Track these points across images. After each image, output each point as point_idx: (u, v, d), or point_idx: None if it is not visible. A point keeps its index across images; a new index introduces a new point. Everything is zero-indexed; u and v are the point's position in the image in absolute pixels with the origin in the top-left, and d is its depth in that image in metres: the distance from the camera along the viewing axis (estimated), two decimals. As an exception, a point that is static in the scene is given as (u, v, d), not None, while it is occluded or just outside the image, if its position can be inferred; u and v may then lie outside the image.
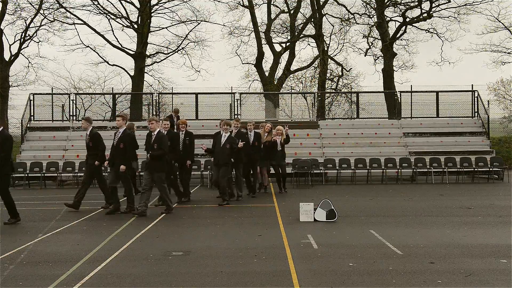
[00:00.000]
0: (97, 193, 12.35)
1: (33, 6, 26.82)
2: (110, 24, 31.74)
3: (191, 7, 36.47)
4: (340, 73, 32.16)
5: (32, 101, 21.25)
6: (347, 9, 29.99)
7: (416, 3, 28.20)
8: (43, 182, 16.91)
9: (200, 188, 15.73)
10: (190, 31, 30.03)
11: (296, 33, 30.59)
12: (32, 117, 21.05)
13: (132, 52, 28.10)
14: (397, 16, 29.21)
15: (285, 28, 31.65)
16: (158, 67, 42.04)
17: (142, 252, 6.81)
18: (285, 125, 15.14)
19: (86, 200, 11.40)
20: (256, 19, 29.44)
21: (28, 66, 29.55)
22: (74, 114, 21.99)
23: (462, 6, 28.07)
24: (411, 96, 21.81)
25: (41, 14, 27.06)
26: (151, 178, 9.96)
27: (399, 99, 22.05)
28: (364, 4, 29.31)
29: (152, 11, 28.50)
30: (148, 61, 29.76)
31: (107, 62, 29.55)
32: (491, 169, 17.25)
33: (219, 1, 33.27)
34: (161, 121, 11.23)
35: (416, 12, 29.12)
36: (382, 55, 28.83)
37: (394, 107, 22.55)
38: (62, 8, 27.19)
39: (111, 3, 29.42)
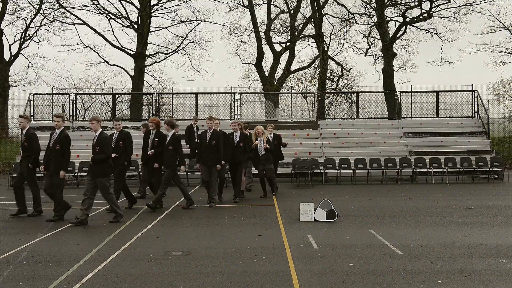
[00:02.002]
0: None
1: (33, 6, 26.89)
2: (110, 24, 31.93)
3: (191, 7, 36.62)
4: (340, 73, 32.19)
5: (32, 101, 21.27)
6: (347, 9, 30.03)
7: (416, 3, 28.22)
8: (43, 182, 16.88)
9: (201, 188, 15.71)
10: (190, 31, 30.11)
11: (296, 33, 30.61)
12: (32, 117, 21.05)
13: (132, 52, 28.12)
14: (397, 16, 29.27)
15: (285, 28, 31.68)
16: (158, 67, 42.19)
17: (142, 252, 6.81)
18: (271, 125, 14.55)
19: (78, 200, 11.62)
20: (256, 19, 29.51)
21: (28, 66, 29.61)
22: (74, 114, 22.00)
23: (462, 6, 28.14)
24: (411, 96, 21.82)
25: (41, 14, 27.13)
26: (94, 183, 9.07)
27: (399, 99, 22.05)
28: (364, 4, 29.36)
29: (152, 11, 28.53)
30: (148, 61, 29.81)
31: (107, 62, 29.61)
32: (491, 169, 17.24)
33: (219, 1, 33.43)
34: (114, 121, 10.69)
35: (416, 12, 29.20)
36: (382, 55, 28.86)
37: (394, 107, 22.56)
38: (62, 8, 27.24)
39: (111, 3, 29.51)
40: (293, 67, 31.25)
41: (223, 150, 11.23)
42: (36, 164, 10.01)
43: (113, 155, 10.34)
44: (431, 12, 28.14)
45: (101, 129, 9.33)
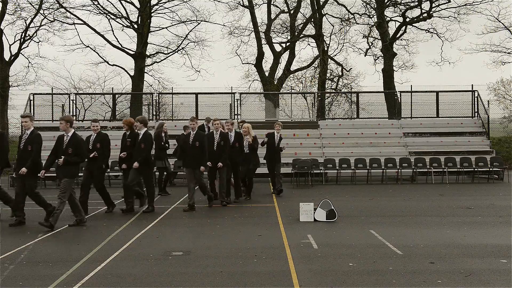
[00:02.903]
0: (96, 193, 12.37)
1: (33, 6, 26.85)
2: (110, 24, 31.84)
3: (191, 7, 36.51)
4: (340, 73, 32.17)
5: (32, 101, 21.27)
6: (347, 9, 30.01)
7: (416, 3, 28.21)
8: (43, 182, 16.89)
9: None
10: (190, 31, 30.07)
11: (296, 33, 30.60)
12: (32, 117, 21.04)
13: (132, 52, 28.10)
14: (397, 16, 29.24)
15: (285, 28, 31.66)
16: (158, 67, 42.15)
17: (142, 252, 6.81)
18: (278, 123, 14.12)
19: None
20: (256, 19, 29.48)
21: (28, 66, 29.57)
22: (74, 114, 22.01)
23: (462, 6, 28.11)
24: (411, 96, 21.82)
25: (41, 14, 27.08)
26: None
27: (399, 99, 22.05)
28: (364, 4, 29.34)
29: (152, 11, 28.50)
30: (148, 61, 29.78)
31: (107, 62, 29.57)
32: (491, 169, 17.25)
33: (219, 1, 33.40)
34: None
35: (416, 12, 29.17)
36: (382, 55, 28.84)
37: (394, 107, 22.56)
38: (62, 8, 27.20)
39: (111, 3, 29.46)
40: (293, 67, 31.25)
41: (207, 151, 10.81)
42: (5, 165, 9.90)
43: (92, 154, 10.15)
44: (431, 12, 28.13)
45: (73, 130, 8.99)
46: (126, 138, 10.70)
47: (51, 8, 27.40)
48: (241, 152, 11.96)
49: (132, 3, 28.32)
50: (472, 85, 21.51)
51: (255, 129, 19.16)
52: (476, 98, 21.31)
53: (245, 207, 11.20)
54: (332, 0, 29.82)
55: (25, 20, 27.43)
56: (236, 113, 21.23)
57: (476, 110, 21.29)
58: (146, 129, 10.52)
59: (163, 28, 29.96)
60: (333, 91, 31.51)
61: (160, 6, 28.84)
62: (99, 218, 9.83)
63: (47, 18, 27.58)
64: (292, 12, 30.49)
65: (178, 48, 30.06)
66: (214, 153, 11.16)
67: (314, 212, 9.15)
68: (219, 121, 11.61)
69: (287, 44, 30.72)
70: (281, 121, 15.71)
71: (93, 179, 10.32)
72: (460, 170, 17.23)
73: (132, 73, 28.24)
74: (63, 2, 27.17)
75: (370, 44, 30.40)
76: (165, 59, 30.54)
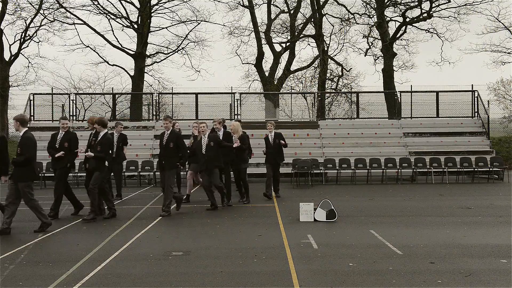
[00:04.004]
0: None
1: (33, 6, 26.84)
2: (110, 24, 31.89)
3: (191, 7, 36.58)
4: (340, 73, 32.18)
5: (32, 101, 21.29)
6: (347, 9, 30.02)
7: (416, 3, 28.21)
8: (43, 182, 16.89)
9: (200, 188, 15.71)
10: (190, 31, 30.08)
11: (296, 33, 30.60)
12: (32, 117, 21.07)
13: (132, 52, 28.11)
14: (397, 16, 29.25)
15: (285, 28, 31.67)
16: (158, 67, 42.20)
17: (142, 252, 6.81)
18: (271, 123, 13.29)
19: (85, 200, 11.65)
20: (256, 19, 29.48)
21: (28, 66, 29.56)
22: (74, 114, 22.02)
23: (462, 6, 28.11)
24: (411, 96, 21.83)
25: (41, 14, 27.08)
26: (16, 188, 8.39)
27: (399, 99, 22.06)
28: (364, 4, 29.34)
29: (152, 11, 28.51)
30: (148, 61, 29.79)
31: (107, 62, 29.58)
32: (491, 169, 17.25)
33: (219, 1, 33.43)
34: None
35: (416, 12, 29.17)
36: (382, 55, 28.84)
37: (394, 107, 22.56)
38: (62, 8, 27.20)
39: (111, 3, 29.47)
40: (293, 67, 31.25)
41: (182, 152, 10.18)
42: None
43: (58, 154, 9.89)
44: (431, 12, 28.13)
45: (25, 129, 8.63)
46: (92, 137, 10.17)
47: (51, 8, 27.40)
48: (230, 152, 11.36)
49: (132, 3, 28.33)
50: (472, 85, 21.53)
51: (256, 129, 19.32)
52: (476, 98, 21.31)
53: (245, 207, 11.19)
54: (332, 0, 29.85)
55: (25, 20, 27.43)
56: (236, 113, 21.23)
57: (476, 110, 21.30)
58: (106, 130, 9.90)
59: (163, 28, 29.99)
60: (333, 91, 31.53)
61: (160, 6, 28.86)
62: (99, 219, 9.82)
63: (47, 18, 27.59)
64: (292, 12, 30.49)
65: (178, 48, 30.08)
66: (205, 157, 10.57)
67: (314, 212, 9.15)
68: (204, 123, 11.07)
69: (287, 44, 30.72)
70: (280, 121, 15.61)
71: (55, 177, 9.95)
72: (460, 170, 17.23)
73: (132, 73, 28.25)
74: (63, 2, 27.17)
75: (370, 44, 30.42)
76: (165, 59, 30.57)
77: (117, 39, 33.67)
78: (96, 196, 9.54)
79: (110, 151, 12.36)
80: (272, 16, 30.64)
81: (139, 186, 16.29)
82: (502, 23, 28.79)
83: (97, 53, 29.28)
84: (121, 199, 12.65)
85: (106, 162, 9.76)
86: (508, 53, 29.72)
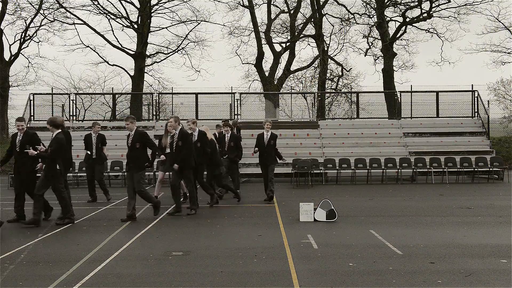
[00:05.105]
0: (97, 193, 12.41)
1: (33, 6, 26.89)
2: (110, 24, 31.83)
3: (191, 7, 36.61)
4: (340, 73, 32.19)
5: (32, 101, 21.30)
6: (347, 9, 30.04)
7: (416, 3, 28.23)
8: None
9: (200, 188, 15.70)
10: (190, 31, 30.12)
11: (296, 33, 30.61)
12: (32, 117, 21.08)
13: (132, 52, 28.13)
14: (397, 16, 29.28)
15: (285, 28, 31.70)
16: (158, 67, 42.11)
17: (142, 252, 6.81)
18: (268, 122, 12.58)
19: (84, 200, 11.97)
20: (256, 19, 29.51)
21: (28, 66, 29.61)
22: (74, 114, 22.02)
23: (462, 6, 28.15)
24: (411, 96, 21.83)
25: (41, 14, 27.13)
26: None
27: (399, 99, 22.06)
28: (364, 4, 29.37)
29: (152, 11, 28.54)
30: (148, 61, 29.82)
31: (107, 62, 29.62)
32: (491, 169, 17.25)
33: (219, 1, 33.41)
34: None
35: (416, 12, 29.21)
36: (382, 55, 28.86)
37: (394, 107, 22.56)
38: (62, 8, 27.24)
39: (111, 3, 29.49)
40: (293, 67, 31.27)
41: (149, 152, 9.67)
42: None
43: (34, 152, 9.05)
44: (431, 12, 28.15)
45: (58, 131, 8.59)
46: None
47: (51, 8, 27.46)
48: (204, 153, 11.01)
49: (132, 3, 28.36)
50: (472, 85, 21.54)
51: (256, 129, 19.30)
52: (476, 98, 21.31)
53: (245, 207, 11.19)
54: (332, 0, 29.87)
55: (25, 20, 27.48)
56: (236, 113, 21.23)
57: (476, 110, 21.30)
58: (58, 131, 9.25)
59: (163, 28, 30.03)
60: (333, 91, 31.55)
61: (160, 6, 28.90)
62: (99, 218, 9.82)
63: (47, 18, 27.64)
64: (292, 12, 30.51)
65: (178, 48, 30.11)
66: (173, 155, 10.19)
67: (314, 212, 9.15)
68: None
69: (287, 44, 30.74)
70: (280, 121, 15.51)
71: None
72: (460, 170, 17.23)
73: (132, 73, 28.27)
74: (63, 2, 27.20)
75: (370, 44, 30.44)
76: (165, 59, 30.62)
77: (117, 39, 33.67)
78: (41, 200, 8.99)
79: (90, 152, 12.36)
80: (272, 16, 30.66)
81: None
82: (502, 23, 28.84)
83: (97, 53, 29.35)
84: (92, 200, 12.31)
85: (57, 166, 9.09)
86: (508, 53, 29.74)
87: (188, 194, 10.60)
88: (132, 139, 9.56)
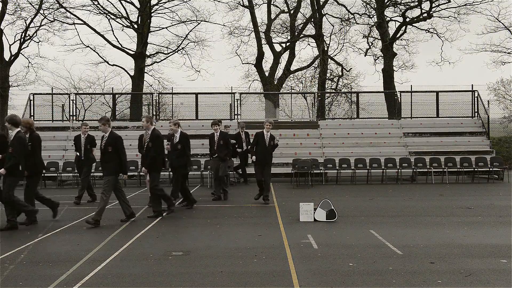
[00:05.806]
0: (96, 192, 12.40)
1: (33, 6, 26.83)
2: (110, 24, 31.90)
3: (191, 7, 36.62)
4: (340, 73, 32.17)
5: (32, 101, 21.29)
6: (347, 9, 30.01)
7: (416, 3, 28.21)
8: (43, 182, 16.89)
9: (200, 188, 15.72)
10: (190, 31, 30.08)
11: (296, 33, 30.59)
12: (32, 117, 21.05)
13: (132, 52, 28.11)
14: (397, 16, 29.23)
15: (285, 28, 31.65)
16: (158, 67, 42.17)
17: (142, 252, 6.81)
18: (269, 122, 12.10)
19: (84, 200, 12.02)
20: (256, 19, 29.47)
21: (28, 66, 29.57)
22: (74, 114, 22.02)
23: (462, 6, 28.10)
24: (411, 96, 21.83)
25: (41, 14, 27.07)
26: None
27: (399, 99, 22.05)
28: (364, 4, 29.33)
29: (152, 11, 28.50)
30: (148, 61, 29.78)
31: (107, 62, 29.57)
32: (491, 169, 17.25)
33: (219, 1, 33.35)
34: None
35: (416, 12, 29.16)
36: (382, 55, 28.84)
37: (394, 107, 22.55)
38: (62, 8, 27.19)
39: (111, 3, 29.49)
40: (293, 67, 31.24)
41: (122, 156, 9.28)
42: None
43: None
44: (431, 12, 28.12)
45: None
46: (27, 142, 9.03)
47: (51, 8, 27.39)
48: (182, 156, 10.92)
49: (132, 3, 28.33)
50: (472, 85, 21.52)
51: (256, 129, 19.26)
52: (476, 98, 21.31)
53: (245, 207, 11.19)
54: (332, 0, 29.85)
55: (25, 20, 27.41)
56: (236, 113, 21.23)
57: (476, 110, 21.29)
58: (18, 129, 8.79)
59: (163, 28, 29.98)
60: (333, 91, 31.51)
61: (160, 6, 28.85)
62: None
63: (47, 18, 27.58)
64: (292, 12, 30.49)
65: (178, 48, 30.07)
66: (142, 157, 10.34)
67: (314, 212, 9.15)
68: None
69: (287, 44, 30.71)
70: (280, 121, 15.48)
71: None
72: (460, 170, 17.23)
73: (132, 73, 28.24)
74: (63, 2, 27.17)
75: (370, 44, 30.40)
76: (165, 59, 30.56)
77: (117, 39, 33.71)
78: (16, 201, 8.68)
79: (79, 153, 12.21)
80: (272, 16, 30.64)
81: (139, 186, 16.28)
82: (502, 23, 28.78)
83: (97, 53, 29.30)
84: (92, 200, 12.20)
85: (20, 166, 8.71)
86: (508, 53, 29.70)
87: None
88: (106, 142, 9.22)
